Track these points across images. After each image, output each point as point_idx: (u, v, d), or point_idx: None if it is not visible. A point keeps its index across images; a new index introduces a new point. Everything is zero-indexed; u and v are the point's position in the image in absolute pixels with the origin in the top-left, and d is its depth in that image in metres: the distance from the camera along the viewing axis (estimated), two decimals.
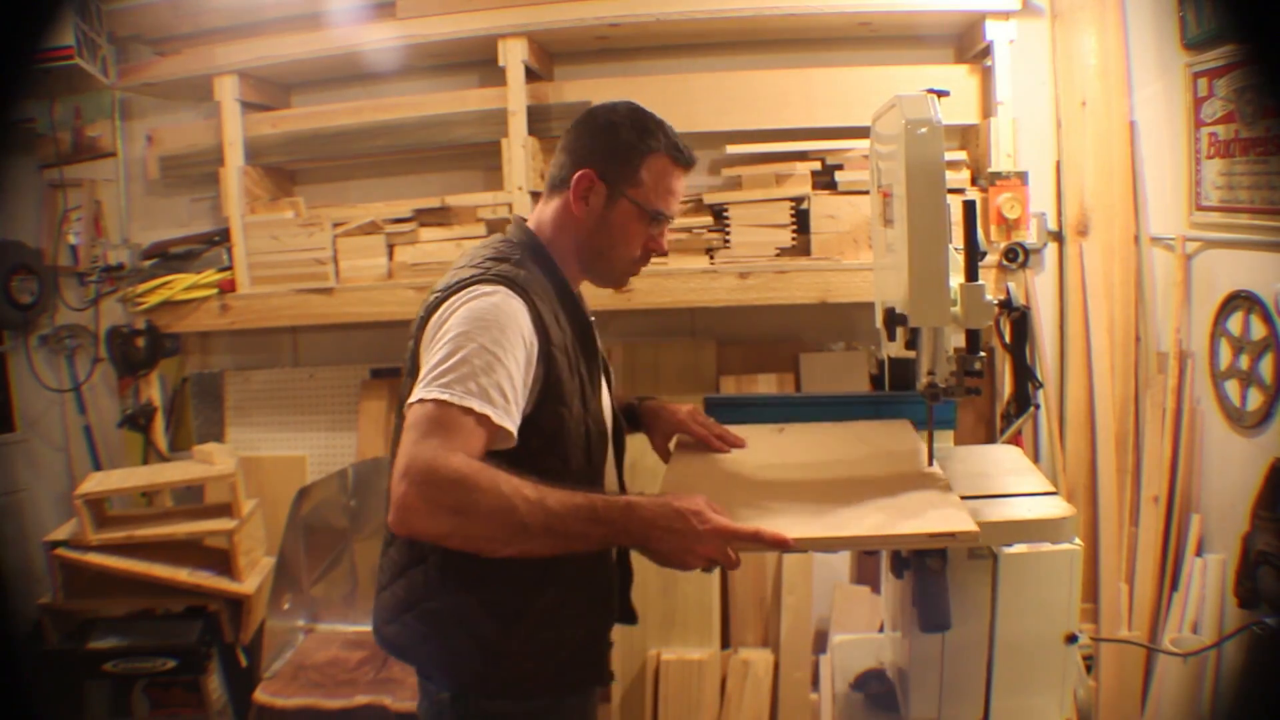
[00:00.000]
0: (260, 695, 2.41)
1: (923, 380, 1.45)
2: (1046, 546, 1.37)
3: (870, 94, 2.33)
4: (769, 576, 2.75)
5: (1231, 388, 2.17)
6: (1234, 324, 2.14)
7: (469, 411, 1.20)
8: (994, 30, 2.53)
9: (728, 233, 2.64)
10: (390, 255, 2.78)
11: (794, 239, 2.63)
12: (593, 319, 1.53)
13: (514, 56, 2.63)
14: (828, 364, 2.80)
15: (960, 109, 2.63)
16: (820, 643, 2.67)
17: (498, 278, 1.34)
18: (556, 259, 1.49)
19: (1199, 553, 2.24)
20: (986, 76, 2.62)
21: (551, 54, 2.87)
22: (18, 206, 3.03)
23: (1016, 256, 2.54)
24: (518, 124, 2.65)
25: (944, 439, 1.73)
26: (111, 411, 3.07)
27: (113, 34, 2.83)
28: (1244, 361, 2.10)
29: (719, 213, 2.65)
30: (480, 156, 2.82)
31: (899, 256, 1.39)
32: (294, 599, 2.66)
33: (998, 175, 2.55)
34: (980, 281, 1.39)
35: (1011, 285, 2.35)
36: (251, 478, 2.85)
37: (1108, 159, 2.55)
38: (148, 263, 2.91)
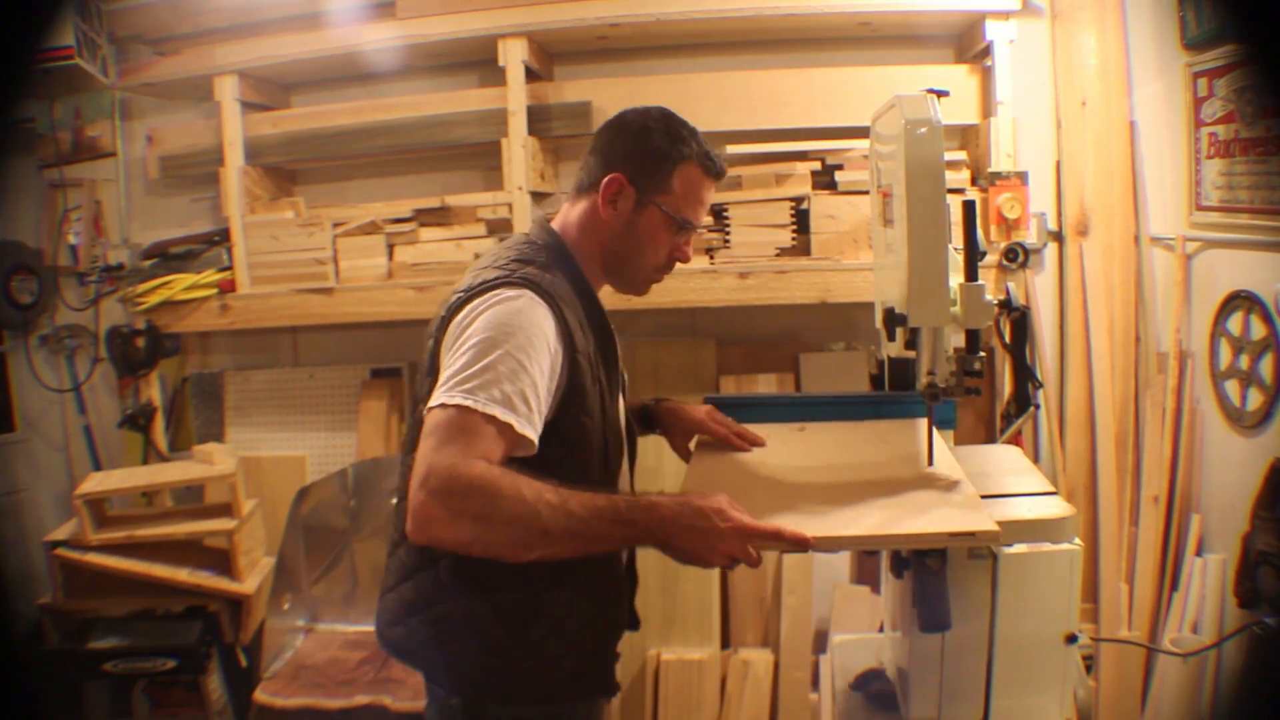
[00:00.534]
0: (260, 695, 2.41)
1: (923, 380, 1.45)
2: (1046, 546, 1.36)
3: (870, 94, 2.33)
4: (769, 576, 2.75)
5: (1231, 388, 2.17)
6: (1234, 324, 2.14)
7: (491, 419, 1.20)
8: (994, 30, 2.53)
9: (728, 233, 2.64)
10: (390, 255, 2.77)
11: (794, 239, 2.63)
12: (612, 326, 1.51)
13: (514, 56, 2.63)
14: (828, 364, 2.80)
15: (960, 109, 2.63)
16: (820, 643, 2.67)
17: (523, 281, 1.33)
18: (580, 262, 1.47)
19: (1199, 553, 2.24)
20: (986, 76, 2.62)
21: (551, 54, 2.87)
22: (18, 206, 3.03)
23: (1016, 256, 2.54)
24: (518, 124, 2.65)
25: (944, 439, 1.73)
26: (111, 411, 3.07)
27: (113, 34, 2.83)
28: (1244, 361, 2.10)
29: (719, 213, 2.65)
30: (480, 156, 2.82)
31: (899, 256, 1.39)
32: (294, 599, 2.65)
33: (998, 175, 2.55)
34: (980, 281, 1.39)
35: (1011, 285, 2.36)
36: (251, 478, 2.84)
37: (1108, 159, 2.54)
38: (148, 263, 2.91)
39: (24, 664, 2.21)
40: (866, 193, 1.81)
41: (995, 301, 1.44)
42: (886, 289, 1.59)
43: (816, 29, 2.71)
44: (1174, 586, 2.30)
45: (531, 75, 2.71)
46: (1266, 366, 2.02)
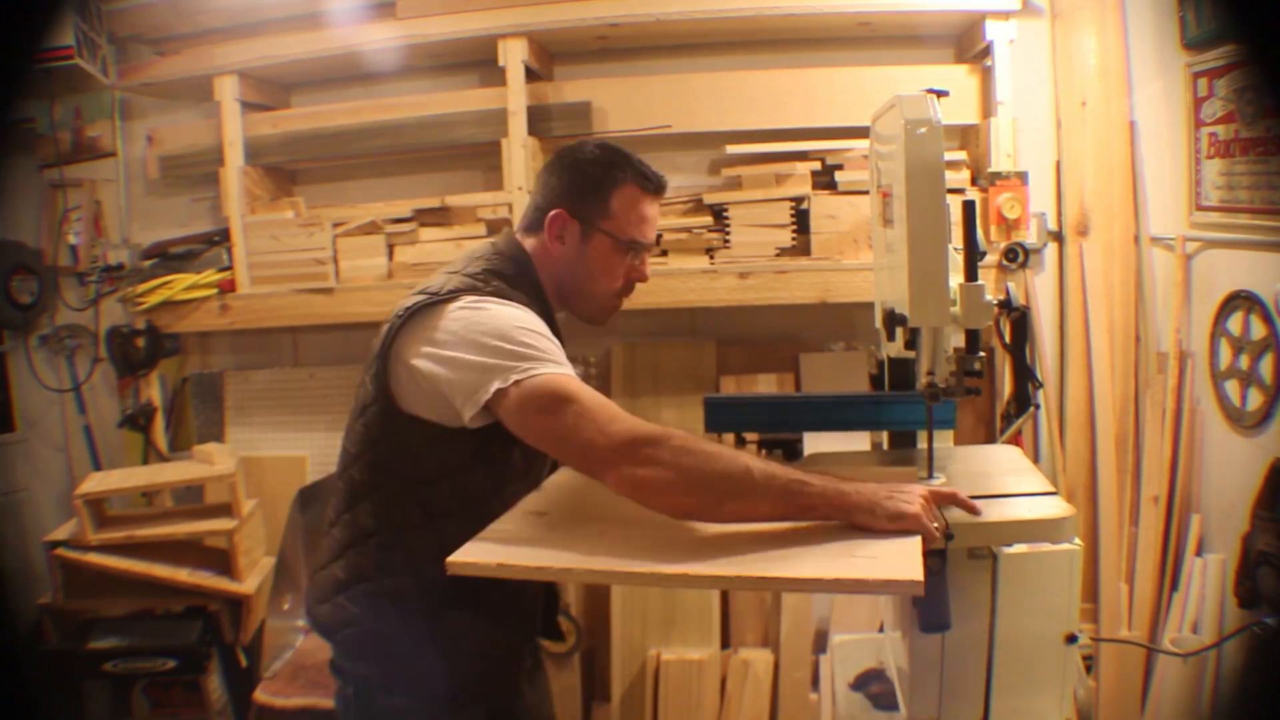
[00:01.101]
0: (260, 695, 2.41)
1: (922, 380, 1.45)
2: (1046, 546, 1.36)
3: (870, 94, 2.33)
4: None
5: (1231, 388, 2.17)
6: (1234, 324, 2.14)
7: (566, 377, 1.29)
8: (994, 30, 2.53)
9: (728, 233, 2.64)
10: (390, 255, 2.77)
11: (794, 239, 2.63)
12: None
13: (514, 56, 2.63)
14: (828, 364, 2.80)
15: (960, 109, 2.63)
16: (820, 643, 2.67)
17: (495, 292, 1.39)
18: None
19: (1199, 553, 2.24)
20: (986, 76, 2.62)
21: (551, 54, 2.87)
22: (18, 206, 3.03)
23: (1016, 256, 2.54)
24: (518, 124, 2.65)
25: (944, 439, 1.73)
26: (111, 411, 3.07)
27: (113, 34, 2.83)
28: (1244, 361, 2.10)
29: (719, 213, 2.65)
30: (480, 156, 2.82)
31: (899, 256, 1.39)
32: (294, 599, 2.65)
33: (998, 175, 2.55)
34: (980, 281, 1.39)
35: (1011, 285, 2.35)
36: (251, 478, 2.84)
37: (1108, 159, 2.54)
38: (148, 263, 2.91)
39: (24, 664, 2.21)
40: (866, 193, 1.81)
41: (995, 301, 1.44)
42: (886, 289, 1.59)
43: (816, 29, 2.71)
44: (1174, 586, 2.30)
45: (531, 75, 2.71)
46: (1266, 366, 2.02)
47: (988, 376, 2.64)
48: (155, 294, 2.79)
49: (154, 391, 2.95)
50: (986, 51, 2.57)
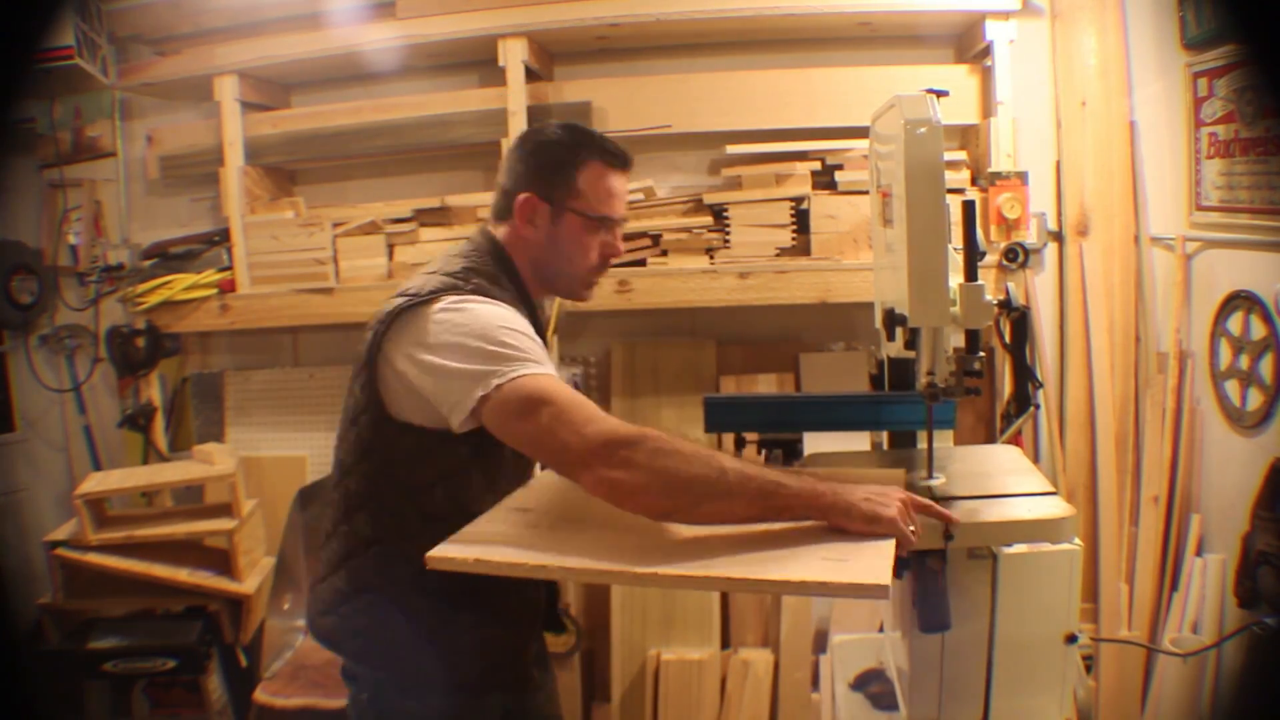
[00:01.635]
0: (260, 695, 2.41)
1: (922, 380, 1.45)
2: (1046, 546, 1.36)
3: (870, 94, 2.34)
4: None
5: (1231, 388, 2.17)
6: (1234, 324, 2.14)
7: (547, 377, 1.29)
8: (994, 30, 2.53)
9: (728, 233, 2.64)
10: (390, 255, 2.77)
11: (794, 239, 2.63)
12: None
13: (514, 56, 2.63)
14: (828, 364, 2.80)
15: (960, 109, 2.63)
16: (820, 643, 2.67)
17: (476, 290, 1.39)
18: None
19: (1199, 553, 2.24)
20: (986, 76, 2.62)
21: (551, 54, 2.87)
22: (18, 206, 3.03)
23: (1016, 256, 2.54)
24: (518, 124, 2.65)
25: (944, 439, 1.73)
26: (111, 411, 3.07)
27: (113, 34, 2.83)
28: (1244, 361, 2.10)
29: (719, 213, 2.65)
30: (480, 156, 2.82)
31: (899, 256, 1.39)
32: (294, 599, 2.65)
33: (998, 175, 2.55)
34: (980, 281, 1.39)
35: (1011, 285, 2.35)
36: (251, 478, 2.84)
37: (1108, 159, 2.54)
38: (148, 263, 2.91)
39: (24, 664, 2.21)
40: (866, 193, 1.81)
41: (995, 301, 1.44)
42: (886, 289, 1.59)
43: (816, 29, 2.71)
44: (1174, 586, 2.30)
45: (531, 75, 2.71)
46: (1266, 366, 2.02)
47: (988, 376, 2.64)
48: (155, 294, 2.79)
49: (154, 391, 2.95)
50: (986, 51, 2.57)
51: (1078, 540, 1.38)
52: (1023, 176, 2.55)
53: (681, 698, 2.67)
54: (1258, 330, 2.05)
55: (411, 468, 1.40)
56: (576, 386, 1.45)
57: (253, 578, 2.65)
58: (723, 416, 1.70)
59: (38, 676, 2.54)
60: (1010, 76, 2.56)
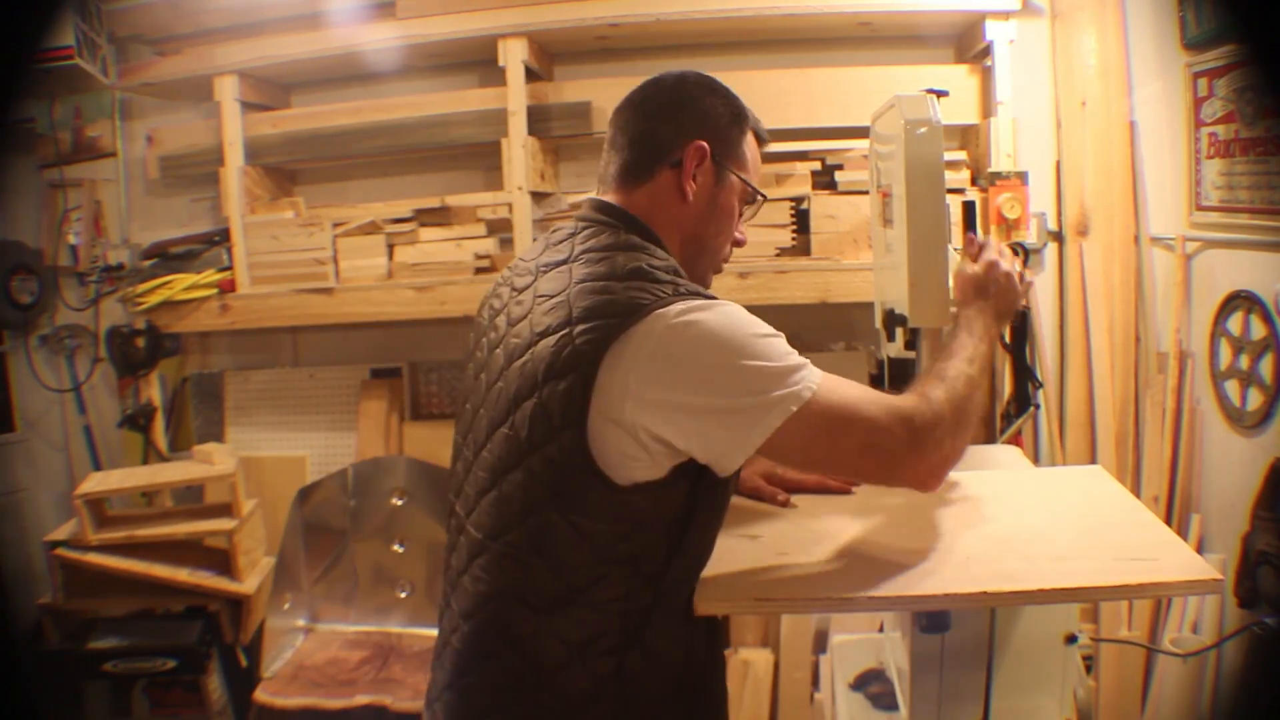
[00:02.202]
0: (260, 695, 2.41)
1: None
2: None
3: (870, 94, 2.33)
4: None
5: (1231, 388, 2.17)
6: (1234, 324, 2.14)
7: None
8: (994, 30, 2.53)
9: None
10: (390, 255, 2.77)
11: (794, 239, 2.63)
12: None
13: (514, 56, 2.63)
14: (828, 364, 2.75)
15: (960, 109, 2.63)
16: (820, 643, 2.66)
17: (690, 293, 1.09)
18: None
19: (1199, 552, 2.24)
20: (986, 76, 2.62)
21: (551, 54, 2.87)
22: (18, 206, 3.03)
23: (1016, 256, 2.53)
24: (518, 124, 2.65)
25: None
26: (111, 411, 3.07)
27: (113, 34, 2.83)
28: (1244, 361, 2.10)
29: None
30: (480, 156, 2.82)
31: (898, 256, 1.39)
32: (294, 599, 2.66)
33: (998, 175, 2.55)
34: None
35: None
36: (251, 478, 2.84)
37: (1108, 159, 2.54)
38: (148, 263, 2.91)
39: (24, 664, 2.21)
40: (866, 193, 1.82)
41: None
42: (886, 289, 1.59)
43: (816, 29, 2.71)
44: None
45: (531, 75, 2.71)
46: (1266, 366, 2.02)
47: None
48: (155, 294, 2.79)
49: (154, 391, 2.95)
50: (986, 51, 2.57)
51: None
52: (1023, 176, 2.55)
53: None
54: (1258, 330, 2.05)
55: (639, 530, 1.09)
56: None
57: (253, 578, 2.65)
58: None
59: (38, 676, 2.54)
60: (1010, 76, 2.56)
